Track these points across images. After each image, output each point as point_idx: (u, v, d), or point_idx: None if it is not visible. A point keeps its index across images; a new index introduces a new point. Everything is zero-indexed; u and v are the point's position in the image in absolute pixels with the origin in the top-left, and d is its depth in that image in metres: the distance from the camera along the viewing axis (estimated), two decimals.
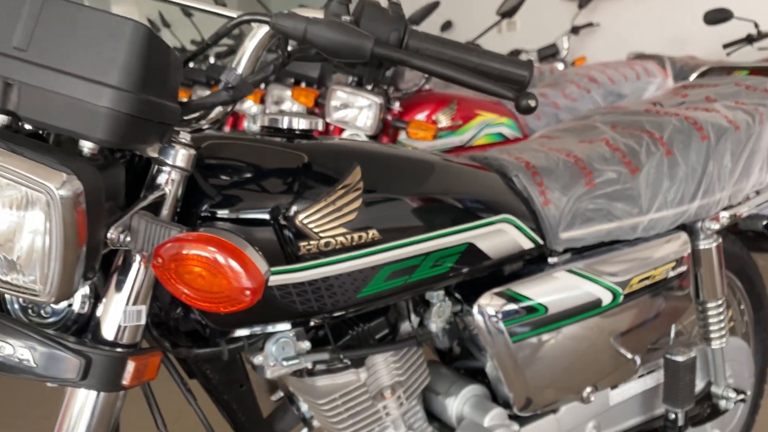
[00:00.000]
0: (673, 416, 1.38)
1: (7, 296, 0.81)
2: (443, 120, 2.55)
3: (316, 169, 0.92)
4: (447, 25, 6.02)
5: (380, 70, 0.87)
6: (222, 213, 0.85)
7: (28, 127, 0.72)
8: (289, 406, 1.17)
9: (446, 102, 2.58)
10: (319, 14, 0.82)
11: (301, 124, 0.98)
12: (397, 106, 2.39)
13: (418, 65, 0.78)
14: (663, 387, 1.38)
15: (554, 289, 1.16)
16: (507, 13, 3.26)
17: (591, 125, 1.40)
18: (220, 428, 1.06)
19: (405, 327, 1.14)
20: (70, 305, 0.80)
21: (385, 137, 2.44)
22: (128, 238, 0.72)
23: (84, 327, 0.80)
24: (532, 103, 0.77)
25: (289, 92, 2.67)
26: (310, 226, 0.89)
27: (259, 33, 0.83)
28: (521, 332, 1.13)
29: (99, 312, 0.79)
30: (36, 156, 0.66)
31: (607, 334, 1.22)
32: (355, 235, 0.93)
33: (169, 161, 0.78)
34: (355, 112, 2.27)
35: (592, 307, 1.19)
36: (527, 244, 1.15)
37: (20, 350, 0.73)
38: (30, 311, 0.81)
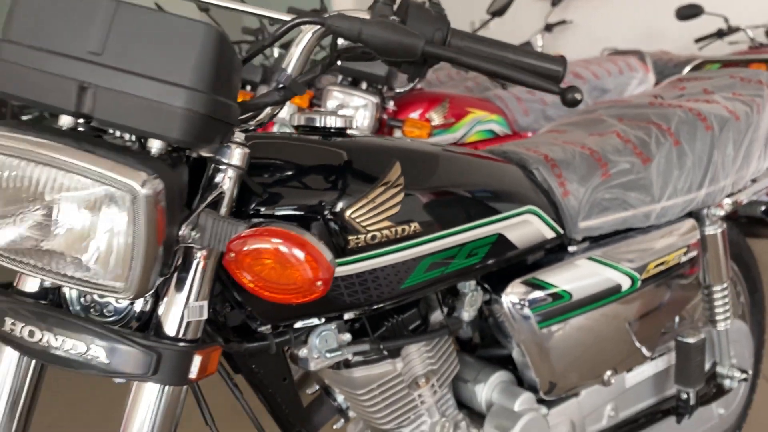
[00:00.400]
0: (685, 396, 1.44)
1: (68, 295, 0.82)
2: (436, 118, 2.59)
3: (359, 166, 0.95)
4: None
5: (424, 68, 0.89)
6: (271, 210, 0.88)
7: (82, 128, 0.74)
8: (326, 398, 1.20)
9: (438, 100, 2.63)
10: (366, 15, 0.85)
11: (336, 122, 1.00)
12: (391, 105, 2.43)
13: (465, 62, 0.82)
14: (675, 368, 1.43)
15: (577, 277, 1.20)
16: (497, 12, 3.32)
17: (598, 119, 1.45)
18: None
19: (435, 317, 1.17)
20: (131, 303, 0.82)
21: None
22: (198, 235, 0.74)
23: (146, 324, 0.82)
24: (578, 96, 0.81)
25: None
26: (358, 220, 0.92)
27: (308, 34, 0.86)
28: (547, 319, 1.17)
29: (161, 309, 0.81)
30: (115, 156, 0.68)
31: (626, 319, 1.27)
32: (399, 228, 0.96)
33: (226, 160, 0.80)
34: (351, 112, 2.31)
35: (613, 293, 1.23)
36: (549, 234, 1.20)
37: (93, 348, 0.75)
38: (92, 310, 0.82)
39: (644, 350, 1.34)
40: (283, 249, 0.72)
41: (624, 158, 1.29)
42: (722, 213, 1.43)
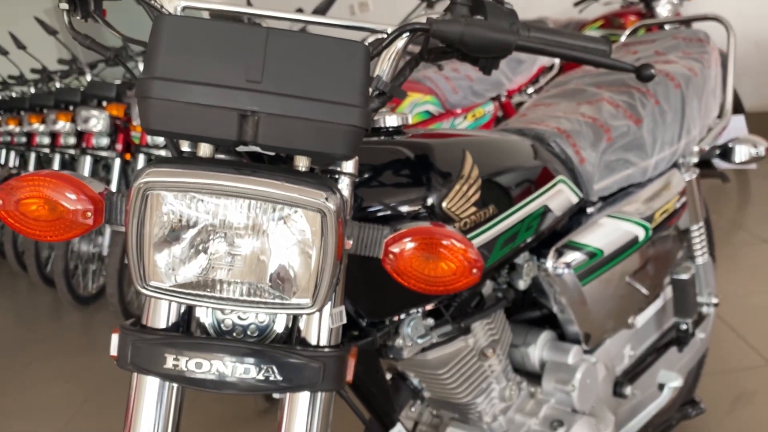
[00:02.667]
0: (684, 326, 1.61)
1: (207, 321, 0.82)
2: None
3: (441, 161, 1.00)
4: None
5: (498, 61, 0.96)
6: (378, 210, 0.92)
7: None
8: (401, 383, 1.25)
9: None
10: (447, 16, 0.90)
11: (395, 121, 1.05)
12: None
13: (546, 51, 0.89)
14: (673, 303, 1.60)
15: (604, 234, 1.32)
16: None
17: (578, 89, 1.57)
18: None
19: (487, 290, 1.25)
20: (273, 319, 0.84)
21: None
22: (351, 241, 0.78)
23: (288, 335, 0.84)
24: (653, 71, 0.90)
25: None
26: (452, 209, 0.98)
27: (404, 39, 0.89)
28: (586, 276, 1.28)
29: (301, 320, 0.83)
30: (293, 179, 0.69)
31: (642, 265, 1.41)
32: (482, 213, 1.03)
33: (339, 168, 0.84)
34: None
35: (632, 244, 1.37)
36: (574, 200, 1.31)
37: (264, 368, 0.76)
38: (234, 333, 0.83)
39: (656, 291, 1.50)
40: (446, 242, 0.76)
41: (620, 122, 1.42)
42: (695, 160, 1.61)
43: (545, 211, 1.20)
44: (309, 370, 0.78)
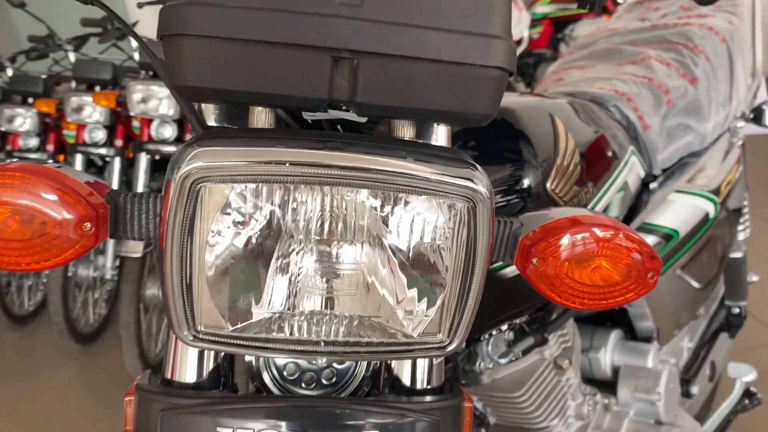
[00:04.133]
0: (737, 310, 1.45)
1: (263, 370, 0.57)
2: None
3: (532, 131, 0.78)
4: None
5: None
6: None
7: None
8: None
9: None
10: None
11: None
12: None
13: None
14: (725, 286, 1.43)
15: (677, 212, 1.13)
16: None
17: (614, 49, 1.37)
18: None
19: None
20: (357, 364, 0.59)
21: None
22: None
23: (373, 380, 0.60)
24: None
25: (88, 98, 2.70)
26: (557, 191, 0.76)
27: None
28: (665, 262, 1.09)
29: (394, 363, 0.59)
30: (427, 155, 0.45)
31: (713, 245, 1.23)
32: (583, 193, 0.81)
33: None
34: (156, 102, 2.43)
35: (705, 221, 1.18)
36: (641, 173, 1.11)
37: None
38: (303, 383, 0.58)
39: (718, 274, 1.32)
40: (610, 236, 0.53)
41: (676, 82, 1.23)
42: (743, 124, 1.44)
43: (625, 187, 0.99)
44: (425, 429, 0.54)
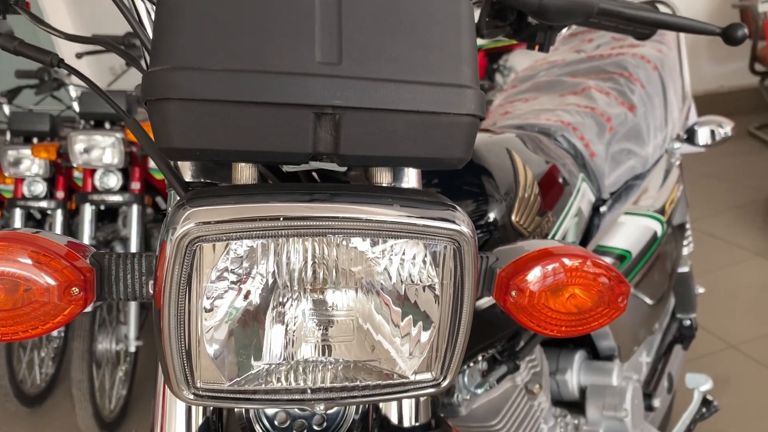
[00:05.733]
0: (688, 323, 1.51)
1: (258, 430, 0.58)
2: None
3: (492, 165, 0.81)
4: None
5: (555, 36, 0.78)
6: None
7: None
8: None
9: None
10: None
11: None
12: None
13: (628, 15, 0.73)
14: (676, 299, 1.50)
15: (628, 234, 1.18)
16: None
17: (554, 81, 1.44)
18: None
19: None
20: (347, 407, 0.60)
21: (136, 168, 2.50)
22: None
23: (363, 419, 0.61)
24: (745, 31, 0.76)
25: (26, 151, 2.57)
26: (521, 223, 0.79)
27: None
28: None
29: (382, 404, 0.60)
30: (410, 201, 0.47)
31: (663, 261, 1.29)
32: (543, 222, 0.84)
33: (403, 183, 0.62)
34: (99, 152, 2.39)
35: (654, 241, 1.24)
36: (592, 198, 1.16)
37: None
38: (292, 428, 0.59)
39: (669, 289, 1.38)
40: (579, 264, 0.56)
41: (616, 110, 1.29)
42: (679, 145, 1.52)
43: (579, 214, 1.04)
44: None
